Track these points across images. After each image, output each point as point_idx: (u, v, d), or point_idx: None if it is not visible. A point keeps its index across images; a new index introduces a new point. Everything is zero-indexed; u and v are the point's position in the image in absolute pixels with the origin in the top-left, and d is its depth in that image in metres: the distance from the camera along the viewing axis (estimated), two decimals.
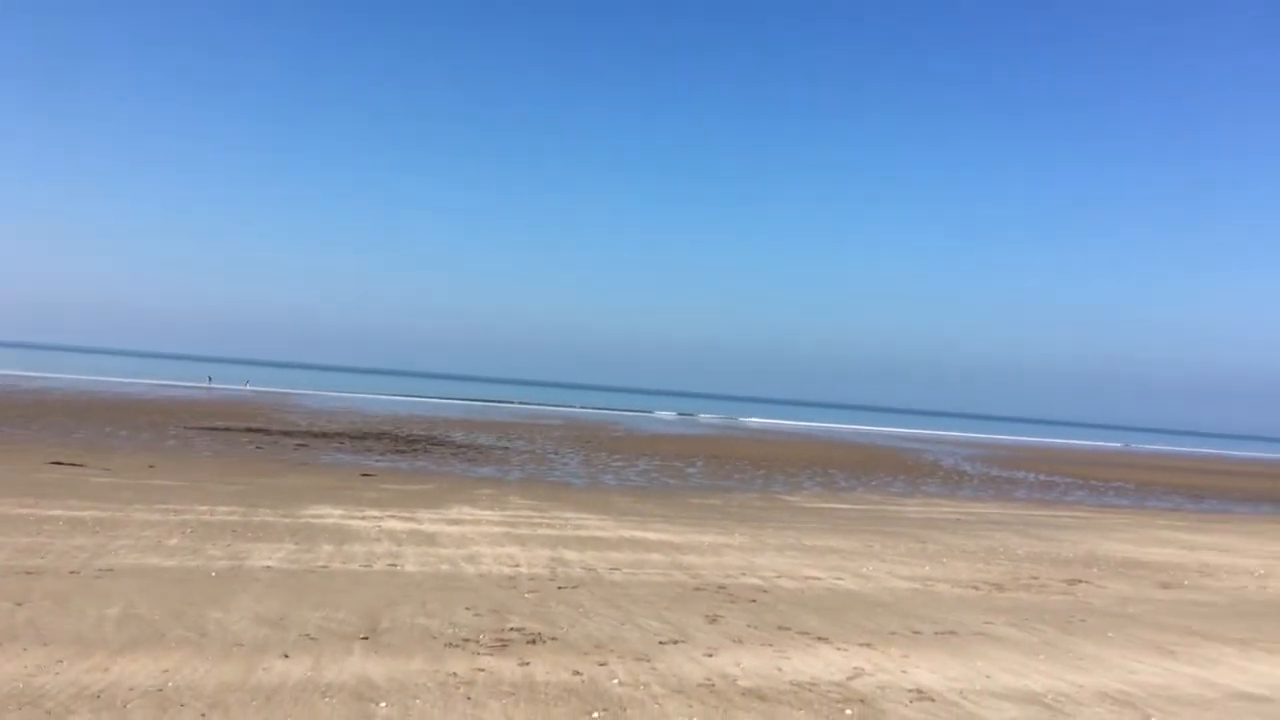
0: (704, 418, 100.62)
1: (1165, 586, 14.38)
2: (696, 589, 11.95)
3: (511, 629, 9.28)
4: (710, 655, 8.68)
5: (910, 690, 7.93)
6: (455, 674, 7.63)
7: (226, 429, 38.53)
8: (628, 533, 16.77)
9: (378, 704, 6.81)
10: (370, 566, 12.19)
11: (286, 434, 38.32)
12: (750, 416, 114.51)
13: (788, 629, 9.97)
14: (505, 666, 7.94)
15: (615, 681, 7.67)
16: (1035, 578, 14.41)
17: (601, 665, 8.13)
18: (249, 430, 38.80)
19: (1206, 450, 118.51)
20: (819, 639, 9.60)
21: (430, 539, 14.70)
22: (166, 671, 7.32)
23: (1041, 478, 44.00)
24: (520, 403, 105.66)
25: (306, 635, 8.60)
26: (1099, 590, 13.63)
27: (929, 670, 8.62)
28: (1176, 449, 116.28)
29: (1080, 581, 14.30)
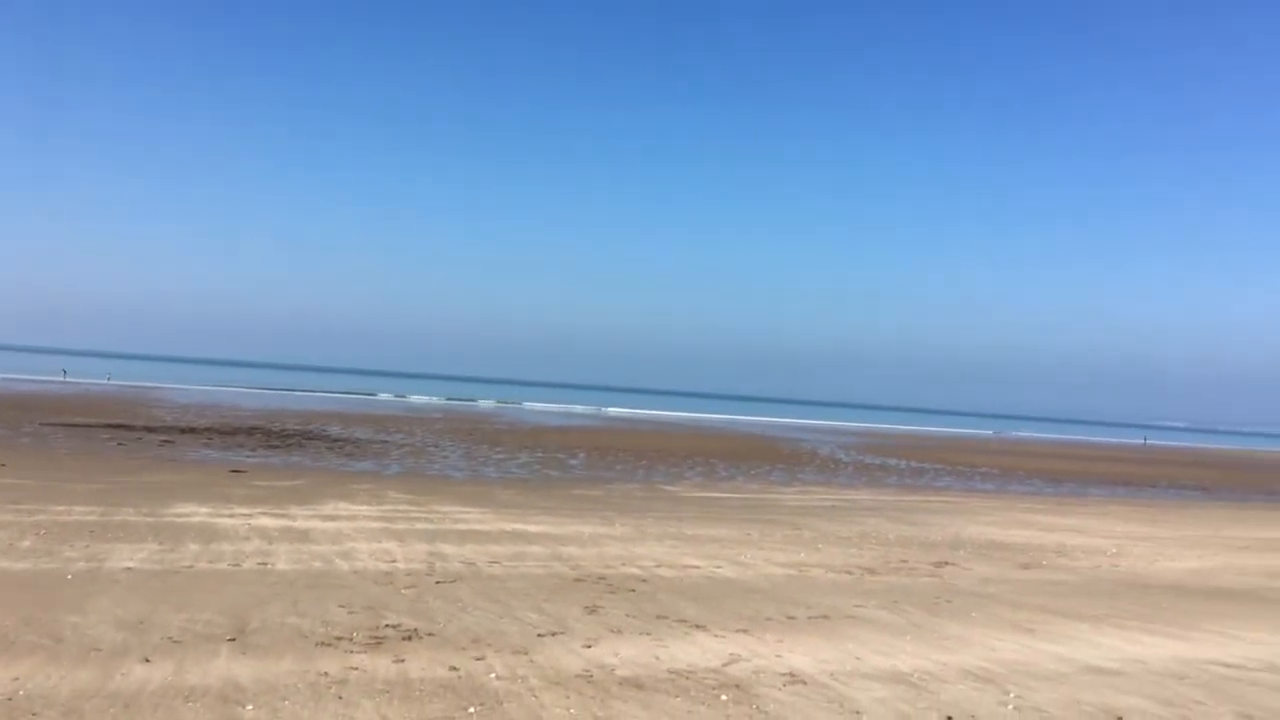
0: (580, 409, 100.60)
1: (1025, 567, 15.04)
2: (576, 580, 11.95)
3: (387, 626, 9.11)
4: (589, 646, 8.70)
5: (784, 674, 8.10)
6: (327, 673, 7.45)
7: (86, 425, 36.77)
8: (508, 525, 16.67)
9: (244, 707, 6.61)
10: (239, 566, 11.81)
11: (150, 430, 36.80)
12: (630, 408, 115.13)
13: (666, 617, 10.07)
14: (379, 664, 7.79)
15: (492, 676, 7.61)
16: (905, 561, 14.89)
17: (479, 660, 8.06)
18: (110, 426, 37.12)
19: (1068, 436, 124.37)
20: (697, 626, 9.72)
21: (303, 536, 14.33)
22: (17, 679, 6.94)
23: (913, 465, 45.49)
24: (400, 395, 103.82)
25: (169, 638, 8.28)
26: (964, 572, 14.18)
27: (803, 654, 8.81)
28: (1041, 436, 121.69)
29: (947, 564, 14.85)
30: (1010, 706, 7.51)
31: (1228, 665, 9.26)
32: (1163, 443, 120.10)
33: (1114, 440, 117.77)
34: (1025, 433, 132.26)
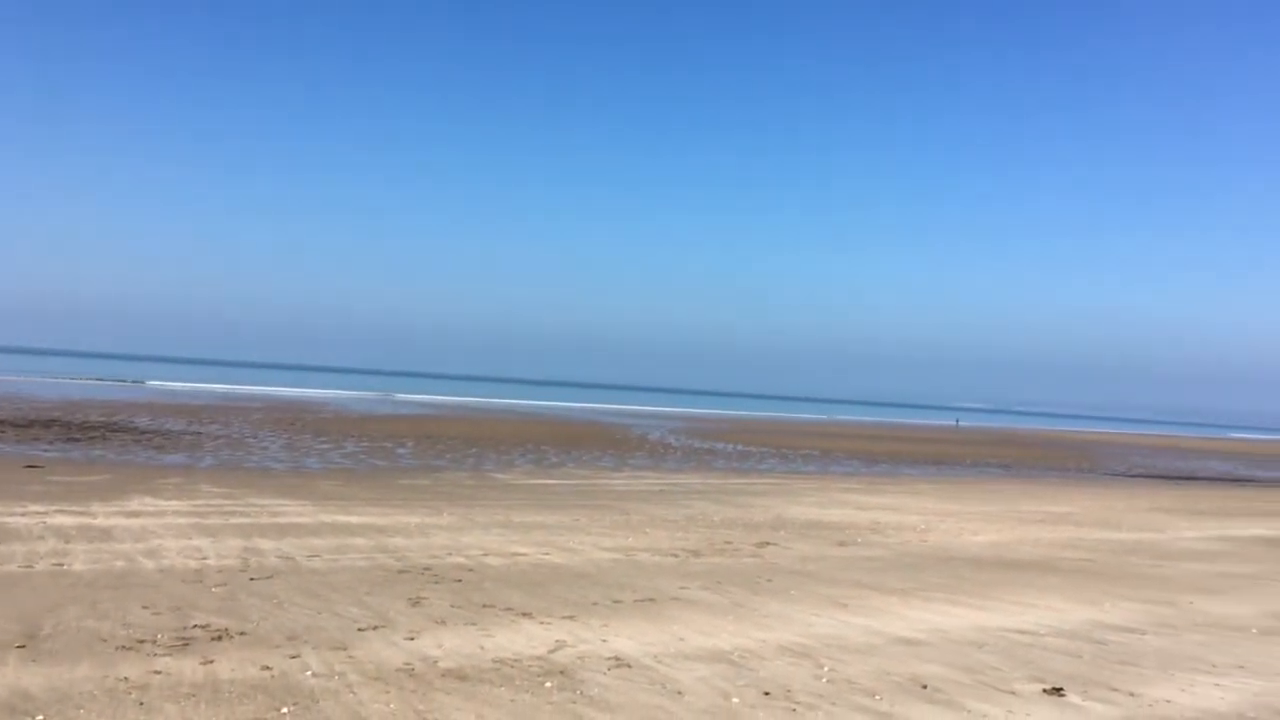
0: (403, 397, 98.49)
1: (842, 545, 15.66)
2: (401, 572, 11.69)
3: (195, 626, 8.67)
4: (411, 639, 8.52)
5: (609, 658, 8.15)
6: (127, 678, 7.03)
7: None
8: (330, 517, 16.15)
9: (34, 718, 6.15)
10: (31, 567, 10.99)
11: None
12: (462, 396, 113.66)
13: (492, 606, 9.97)
14: (186, 666, 7.40)
15: (308, 673, 7.35)
16: (729, 542, 15.26)
17: (294, 658, 7.77)
18: None
19: (886, 419, 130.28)
20: (523, 614, 9.67)
21: (105, 534, 13.47)
22: None
23: (740, 448, 46.69)
24: (217, 384, 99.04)
25: None
26: (784, 551, 14.64)
27: (628, 637, 8.90)
28: (860, 418, 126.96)
29: (769, 544, 15.30)
30: (824, 680, 7.80)
31: (1022, 632, 9.90)
32: (973, 424, 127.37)
33: (929, 422, 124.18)
34: (846, 416, 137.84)
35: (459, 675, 7.48)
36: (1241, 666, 8.84)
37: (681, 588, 11.43)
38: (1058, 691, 7.74)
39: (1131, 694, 7.78)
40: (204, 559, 11.98)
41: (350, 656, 7.88)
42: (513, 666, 7.78)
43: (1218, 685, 8.15)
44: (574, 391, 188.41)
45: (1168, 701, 7.61)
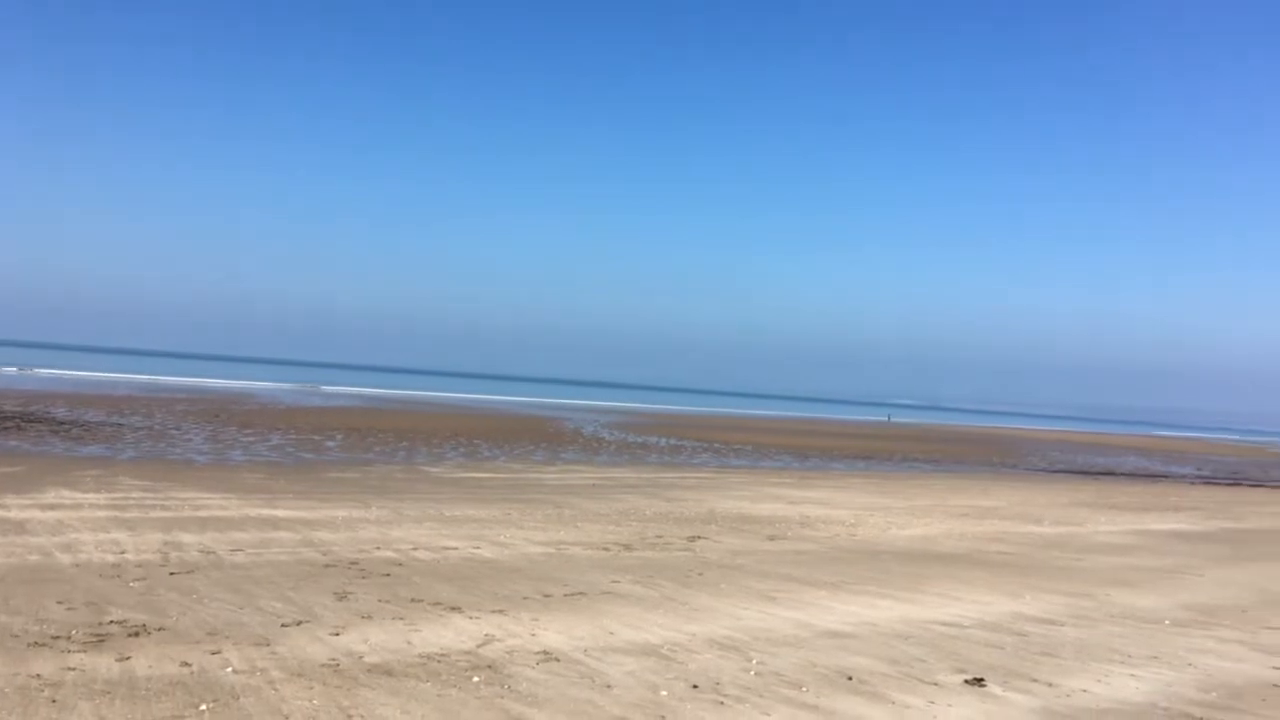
0: (330, 389, 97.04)
1: (772, 539, 15.79)
2: (327, 566, 11.51)
3: (111, 622, 8.43)
4: (336, 634, 8.38)
5: (538, 652, 8.11)
6: (39, 676, 6.80)
7: None
8: (254, 511, 15.83)
9: None
10: None
11: None
12: (394, 388, 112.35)
13: (421, 601, 9.86)
14: (101, 663, 7.19)
15: (229, 670, 7.19)
16: (660, 536, 15.29)
17: (214, 654, 7.59)
18: None
19: (819, 414, 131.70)
20: (452, 609, 9.58)
21: (18, 527, 13.04)
22: None
23: (673, 442, 46.84)
24: (141, 375, 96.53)
25: None
26: (715, 545, 14.72)
27: (557, 631, 8.86)
28: (794, 414, 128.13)
29: (700, 538, 15.37)
30: (753, 673, 7.85)
31: (947, 624, 10.08)
32: (905, 420, 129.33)
33: (862, 418, 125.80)
34: (780, 411, 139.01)
35: (385, 670, 7.38)
36: (1155, 657, 9.10)
37: (612, 582, 11.42)
38: (979, 682, 7.89)
39: (1050, 684, 7.96)
40: (122, 553, 11.67)
41: (273, 652, 7.73)
42: (440, 661, 7.70)
43: (1132, 675, 8.38)
44: (509, 385, 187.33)
45: (1084, 691, 7.80)
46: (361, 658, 7.70)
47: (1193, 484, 39.99)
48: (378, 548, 12.90)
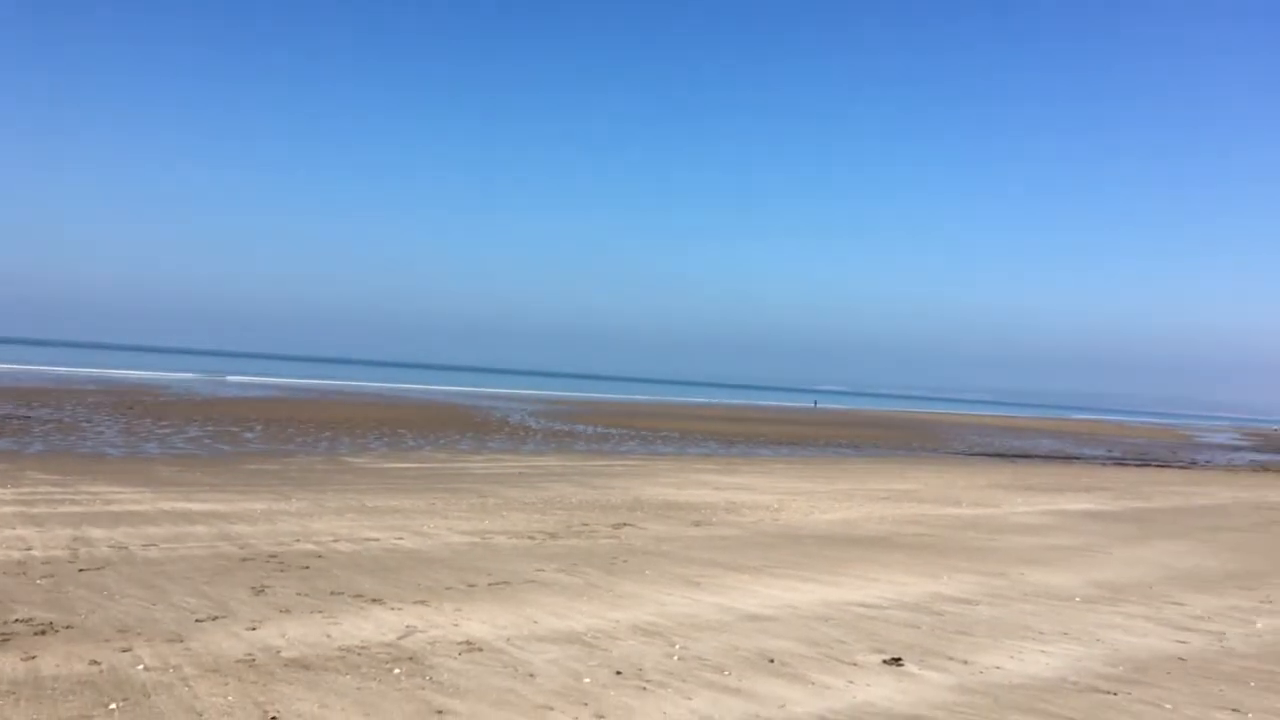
0: (240, 378, 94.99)
1: (697, 525, 15.90)
2: (244, 560, 11.27)
3: (16, 620, 8.14)
4: (253, 629, 8.22)
5: (460, 643, 8.05)
6: None
7: None
8: (168, 504, 15.44)
9: None
10: None
11: None
12: (316, 378, 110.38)
13: (341, 593, 9.71)
14: (5, 663, 6.95)
15: (140, 667, 7.00)
16: (586, 524, 15.29)
17: (125, 651, 7.38)
18: None
19: (746, 401, 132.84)
20: (373, 601, 9.46)
21: None
22: None
23: (600, 430, 46.85)
24: (49, 366, 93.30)
25: None
26: (640, 532, 14.76)
27: (480, 621, 8.81)
28: (721, 400, 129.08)
29: (625, 525, 15.40)
30: (676, 658, 7.90)
31: (866, 605, 10.25)
32: (831, 406, 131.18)
33: (789, 404, 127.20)
34: (707, 398, 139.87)
35: (303, 665, 7.26)
36: (1065, 633, 9.37)
37: (537, 570, 11.39)
38: (897, 662, 8.04)
39: (965, 662, 8.15)
40: (28, 549, 11.28)
41: (187, 649, 7.55)
42: (360, 654, 7.59)
43: (1043, 652, 8.62)
44: (434, 374, 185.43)
45: (998, 668, 8.01)
46: (279, 652, 7.56)
47: (1104, 465, 41.26)
48: (297, 540, 12.68)
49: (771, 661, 7.90)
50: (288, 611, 8.88)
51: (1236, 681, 7.91)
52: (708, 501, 19.26)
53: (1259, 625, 10.09)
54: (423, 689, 6.83)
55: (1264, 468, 44.69)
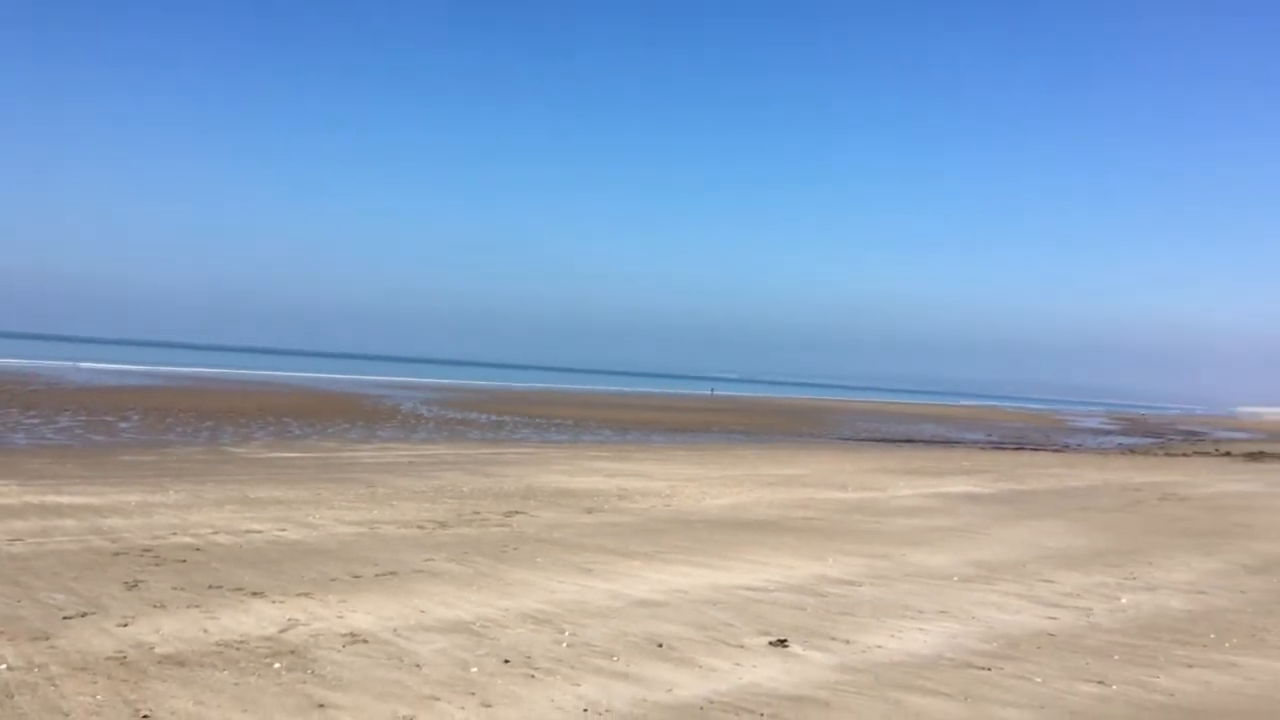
0: (120, 367, 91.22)
1: (589, 511, 15.91)
2: (117, 554, 10.83)
3: None
4: (125, 625, 7.90)
5: (345, 635, 7.90)
6: None
7: None
8: (36, 498, 14.74)
9: None
10: None
11: None
12: (199, 366, 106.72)
13: (219, 587, 9.42)
14: None
15: (3, 667, 6.68)
16: (477, 513, 15.16)
17: None
18: None
19: (642, 388, 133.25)
20: (254, 594, 9.20)
21: None
22: None
23: (493, 418, 46.52)
24: None
25: None
26: (533, 520, 14.70)
27: (366, 612, 8.65)
28: (617, 388, 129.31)
29: (517, 513, 15.31)
30: (565, 644, 7.89)
31: (754, 588, 10.41)
32: (727, 393, 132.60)
33: (686, 391, 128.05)
34: (603, 386, 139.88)
35: (177, 661, 7.01)
36: (943, 612, 9.68)
37: (426, 560, 11.24)
38: (782, 643, 8.19)
39: (847, 641, 8.35)
40: None
41: (53, 646, 7.22)
42: (238, 649, 7.38)
43: (922, 630, 8.89)
44: (323, 362, 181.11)
45: (879, 647, 8.23)
46: (152, 649, 7.29)
47: (983, 449, 42.77)
48: (174, 533, 12.24)
49: (660, 646, 7.96)
50: (162, 606, 8.57)
51: (1102, 655, 8.29)
52: (600, 488, 19.30)
53: (1124, 601, 10.59)
54: (304, 683, 6.67)
55: (1131, 451, 46.96)
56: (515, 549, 12.17)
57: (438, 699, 6.48)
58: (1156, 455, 42.41)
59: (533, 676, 7.02)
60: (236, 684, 6.58)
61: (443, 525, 13.82)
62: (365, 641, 7.74)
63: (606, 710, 6.43)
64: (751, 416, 65.35)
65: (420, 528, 13.53)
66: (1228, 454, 43.81)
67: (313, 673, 6.90)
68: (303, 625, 8.14)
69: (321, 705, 6.28)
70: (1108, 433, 72.23)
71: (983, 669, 7.71)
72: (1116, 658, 8.22)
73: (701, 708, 6.57)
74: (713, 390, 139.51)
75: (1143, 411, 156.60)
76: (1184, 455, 42.37)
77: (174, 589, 9.25)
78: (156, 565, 10.31)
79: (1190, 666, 8.03)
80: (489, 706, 6.38)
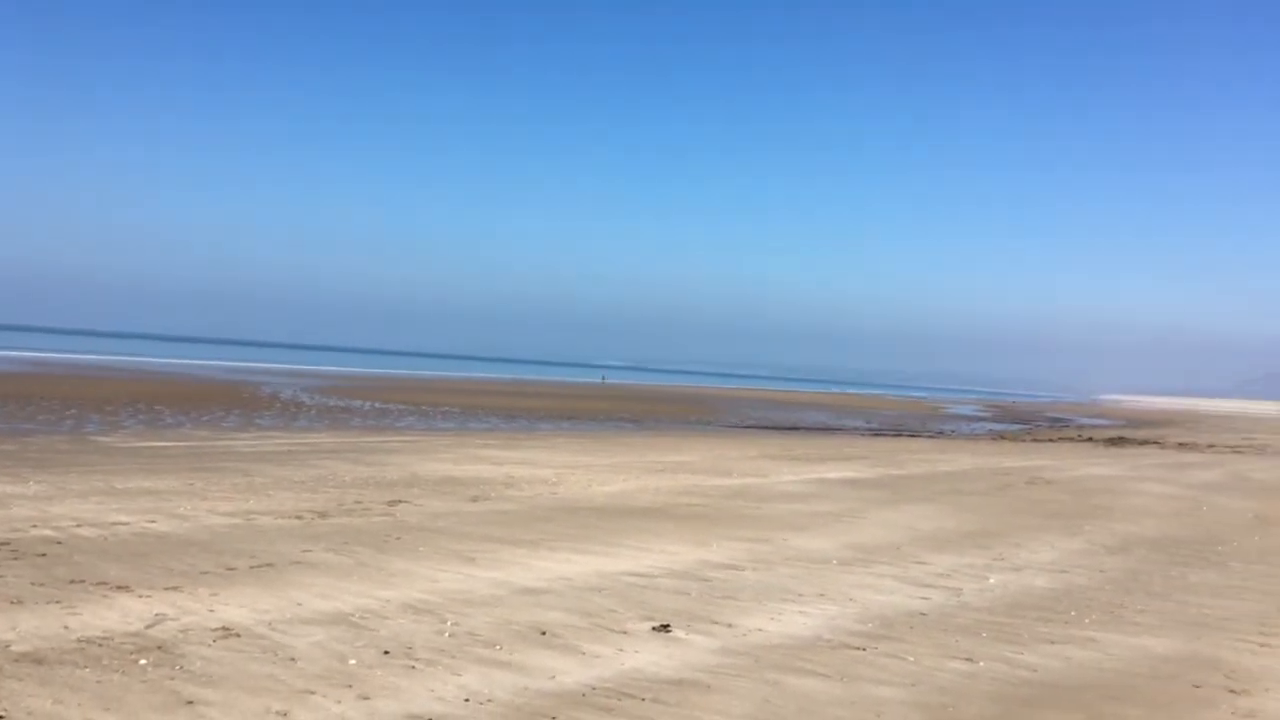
0: None
1: (475, 500, 15.76)
2: None
3: None
4: None
5: (216, 629, 7.65)
6: None
7: None
8: None
9: None
10: None
11: None
12: (61, 351, 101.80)
13: (82, 581, 9.01)
14: None
15: None
16: (359, 502, 14.85)
17: None
18: None
19: (533, 376, 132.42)
20: (119, 588, 8.83)
21: None
22: None
23: (378, 406, 45.64)
24: None
25: None
26: (417, 509, 14.49)
27: (239, 606, 8.39)
28: (509, 376, 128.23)
29: (401, 502, 15.06)
30: (447, 634, 7.81)
31: (638, 575, 10.48)
32: (619, 380, 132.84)
33: (577, 379, 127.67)
34: (493, 373, 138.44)
35: (35, 659, 6.69)
36: (822, 594, 9.92)
37: (304, 551, 10.96)
38: (665, 628, 8.27)
39: (729, 625, 8.48)
40: None
41: None
42: (102, 645, 7.07)
43: (801, 612, 9.09)
44: (201, 348, 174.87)
45: (759, 630, 8.38)
46: (8, 647, 6.94)
47: (863, 435, 43.92)
48: (34, 526, 11.65)
49: (544, 634, 7.94)
50: (19, 602, 8.15)
51: (970, 633, 8.62)
52: (487, 476, 19.13)
53: (992, 580, 11.02)
54: (172, 679, 6.44)
55: (1001, 436, 48.85)
56: (398, 538, 11.98)
57: (313, 692, 6.34)
58: (1025, 441, 44.23)
59: (413, 667, 6.93)
60: (99, 682, 6.31)
61: (322, 515, 13.50)
62: (238, 636, 7.51)
63: (488, 699, 6.39)
64: (642, 404, 65.69)
65: (299, 518, 13.18)
66: (1090, 439, 46.00)
67: (181, 669, 6.66)
68: (171, 620, 7.86)
69: (190, 702, 6.07)
70: (980, 419, 74.99)
71: (858, 649, 7.93)
72: (984, 635, 8.55)
73: (584, 694, 6.58)
74: (604, 378, 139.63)
75: (1013, 399, 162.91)
76: (1050, 441, 44.31)
77: (33, 584, 8.81)
78: (14, 559, 9.79)
79: (1053, 643, 8.41)
80: (367, 699, 6.27)
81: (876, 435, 44.80)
